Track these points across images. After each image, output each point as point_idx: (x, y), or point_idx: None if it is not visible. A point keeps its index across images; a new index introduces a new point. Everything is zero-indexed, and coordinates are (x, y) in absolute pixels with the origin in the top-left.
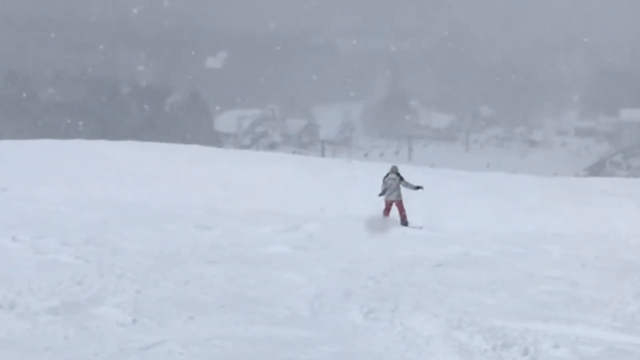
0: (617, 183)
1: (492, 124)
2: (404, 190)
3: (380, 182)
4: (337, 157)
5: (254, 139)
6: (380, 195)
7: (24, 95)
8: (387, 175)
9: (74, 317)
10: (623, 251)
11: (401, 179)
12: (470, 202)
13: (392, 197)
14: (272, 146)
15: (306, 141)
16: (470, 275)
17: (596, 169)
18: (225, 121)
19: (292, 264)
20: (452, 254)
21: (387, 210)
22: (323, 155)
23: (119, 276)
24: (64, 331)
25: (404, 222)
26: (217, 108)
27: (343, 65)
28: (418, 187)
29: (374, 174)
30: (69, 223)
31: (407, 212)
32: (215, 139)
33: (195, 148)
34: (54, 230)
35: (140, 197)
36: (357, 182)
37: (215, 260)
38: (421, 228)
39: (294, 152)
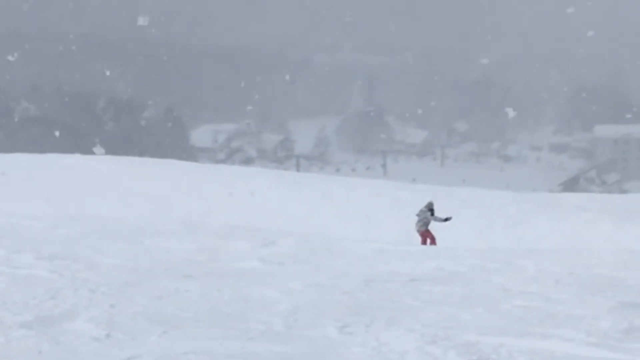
0: (591, 199)
1: (467, 139)
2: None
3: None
4: (311, 172)
5: (230, 154)
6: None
7: None
8: (422, 209)
9: (47, 331)
10: (597, 266)
11: (432, 213)
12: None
13: (416, 227)
14: (247, 161)
15: (281, 156)
16: (445, 290)
17: (570, 185)
18: (200, 136)
19: (268, 279)
20: (427, 269)
21: (422, 240)
22: (298, 170)
23: (93, 291)
24: (37, 346)
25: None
26: (192, 122)
27: (319, 80)
28: (447, 219)
29: (348, 188)
30: (44, 237)
31: (382, 225)
32: (190, 154)
33: (171, 162)
34: (29, 245)
35: (115, 211)
36: (333, 197)
37: (190, 275)
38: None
39: (266, 167)
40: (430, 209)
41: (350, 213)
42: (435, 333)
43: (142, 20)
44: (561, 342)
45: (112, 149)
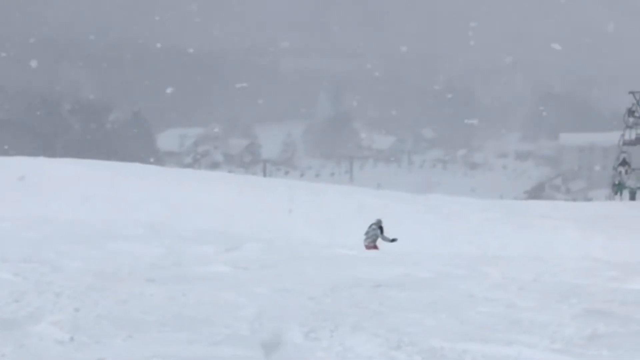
0: (556, 206)
1: (433, 146)
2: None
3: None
4: (277, 177)
5: (196, 158)
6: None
7: None
8: (372, 225)
9: (11, 334)
10: (562, 273)
11: (381, 232)
12: (411, 224)
13: (365, 242)
14: (214, 165)
15: (248, 160)
16: (410, 296)
17: (536, 192)
18: (167, 140)
19: (233, 283)
20: (393, 275)
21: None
22: (265, 174)
23: (58, 294)
24: (0, 349)
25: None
26: (159, 126)
27: (286, 85)
28: (393, 240)
29: (314, 193)
30: (8, 240)
31: (348, 231)
32: (157, 158)
33: (136, 166)
34: None
35: (80, 214)
36: (298, 202)
37: (156, 279)
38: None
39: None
40: (379, 226)
41: (316, 218)
42: (400, 338)
43: None
44: (525, 349)
45: (78, 152)
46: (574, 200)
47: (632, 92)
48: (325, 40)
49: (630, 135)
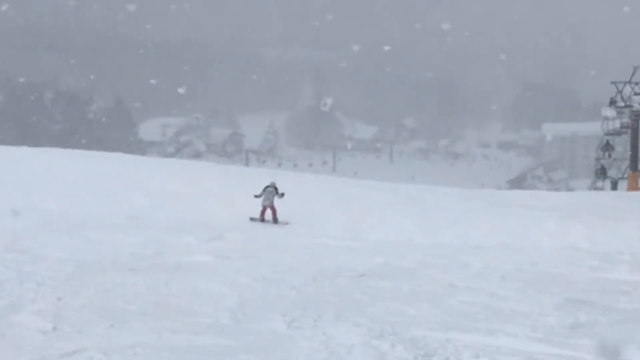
0: (538, 196)
1: (415, 135)
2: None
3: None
4: (260, 167)
5: (178, 148)
6: (257, 197)
7: None
8: (267, 187)
9: None
10: (543, 263)
11: (277, 192)
12: (392, 214)
13: (266, 203)
14: (196, 155)
15: (230, 150)
16: (392, 286)
17: (518, 182)
18: (149, 129)
19: (215, 273)
20: (374, 265)
21: (263, 213)
22: (247, 164)
23: (39, 283)
24: None
25: (275, 219)
26: (141, 116)
27: (268, 75)
28: (282, 194)
29: (297, 181)
30: None
31: (330, 221)
32: (139, 147)
33: (118, 156)
34: None
35: (61, 204)
36: (281, 190)
37: (137, 269)
38: (287, 224)
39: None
40: (274, 187)
41: (297, 208)
42: (382, 328)
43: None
44: (507, 338)
45: (60, 142)
46: (556, 190)
47: (614, 82)
48: (307, 31)
49: (614, 124)
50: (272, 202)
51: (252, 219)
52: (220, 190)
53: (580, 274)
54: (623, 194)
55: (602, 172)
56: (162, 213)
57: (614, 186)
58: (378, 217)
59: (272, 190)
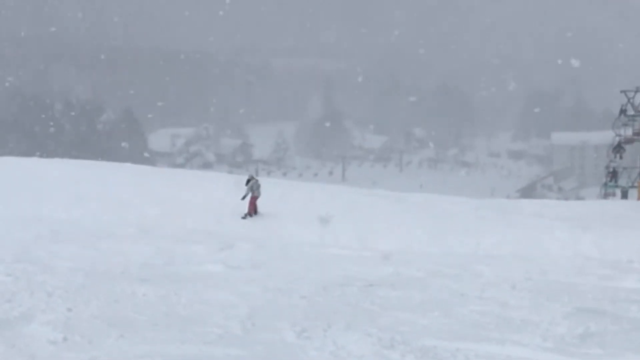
0: (548, 205)
1: (425, 145)
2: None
3: (246, 188)
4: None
5: (188, 158)
6: (244, 197)
7: None
8: (249, 180)
9: (3, 334)
10: (553, 272)
11: (246, 184)
12: (402, 223)
13: (257, 194)
14: (205, 165)
15: (240, 160)
16: (402, 295)
17: (528, 191)
18: (159, 140)
19: (225, 283)
20: (384, 274)
21: (253, 204)
22: (258, 174)
23: (50, 294)
24: None
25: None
26: (150, 126)
27: (277, 85)
28: (244, 197)
29: (307, 191)
30: (0, 240)
31: (341, 231)
32: (148, 158)
33: (128, 166)
34: None
35: (72, 215)
36: (289, 201)
37: (147, 279)
38: (244, 218)
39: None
40: (248, 179)
41: (307, 218)
42: (393, 337)
43: None
44: (517, 347)
45: (70, 153)
46: (566, 199)
47: (624, 91)
48: (316, 41)
49: (626, 132)
50: (260, 193)
51: (244, 217)
52: (230, 200)
53: (590, 283)
54: (633, 203)
55: (613, 177)
56: (172, 223)
57: (624, 195)
58: (388, 226)
59: (256, 181)
